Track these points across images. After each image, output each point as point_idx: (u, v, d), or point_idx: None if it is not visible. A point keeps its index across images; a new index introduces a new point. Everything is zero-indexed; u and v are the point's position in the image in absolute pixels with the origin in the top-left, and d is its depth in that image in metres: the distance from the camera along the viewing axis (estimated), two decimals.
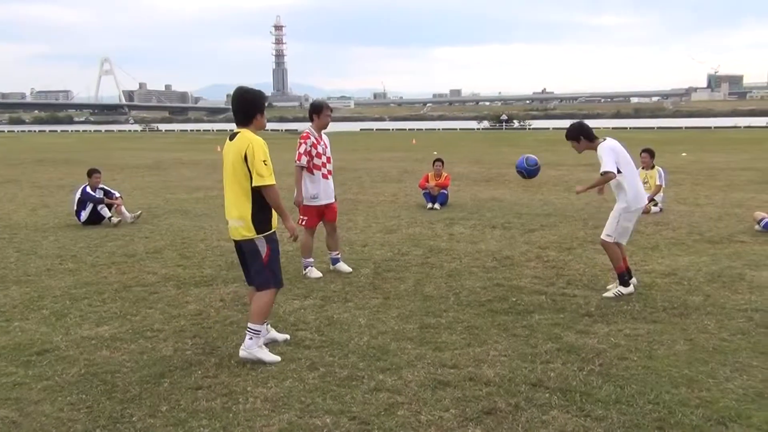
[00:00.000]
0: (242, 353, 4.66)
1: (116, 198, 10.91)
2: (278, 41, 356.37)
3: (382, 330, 5.32)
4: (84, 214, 10.62)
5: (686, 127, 67.52)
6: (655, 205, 11.09)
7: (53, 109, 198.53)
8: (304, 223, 7.03)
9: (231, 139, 4.65)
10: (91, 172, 11.07)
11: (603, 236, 6.36)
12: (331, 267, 7.34)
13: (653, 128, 63.09)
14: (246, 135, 4.56)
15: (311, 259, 7.18)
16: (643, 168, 11.29)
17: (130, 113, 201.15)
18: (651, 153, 11.78)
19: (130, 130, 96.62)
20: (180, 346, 5.02)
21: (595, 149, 6.26)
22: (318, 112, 6.97)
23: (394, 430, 3.66)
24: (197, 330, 5.41)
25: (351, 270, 7.26)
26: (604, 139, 6.29)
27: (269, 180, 4.52)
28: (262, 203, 4.58)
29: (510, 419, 3.76)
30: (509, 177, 17.83)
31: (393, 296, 6.31)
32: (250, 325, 4.70)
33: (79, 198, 10.71)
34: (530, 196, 13.73)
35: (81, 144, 47.83)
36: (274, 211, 4.68)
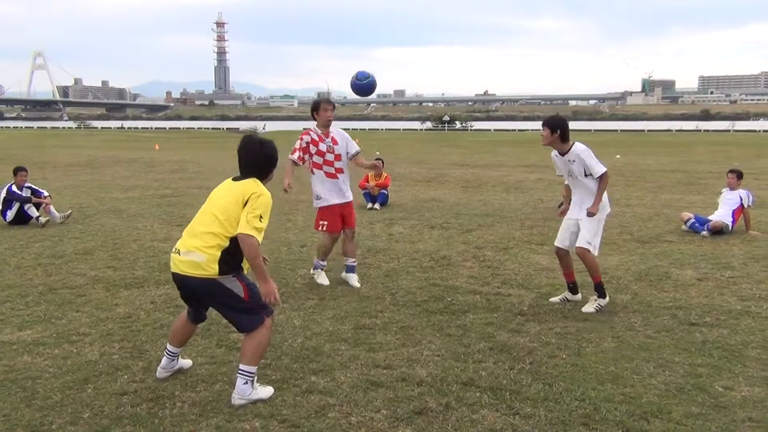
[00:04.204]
0: (237, 401, 3.96)
1: (44, 197, 10.51)
2: (220, 38, 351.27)
3: (317, 331, 5.28)
4: (9, 214, 10.20)
5: (621, 130, 69.68)
6: None
7: None
8: (324, 228, 6.65)
9: (237, 180, 4.11)
10: (17, 170, 10.63)
11: (586, 245, 5.77)
12: (342, 275, 6.82)
13: (590, 131, 64.77)
14: (257, 184, 4.01)
15: (324, 263, 6.78)
16: None
17: (64, 110, 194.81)
18: None
19: (64, 127, 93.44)
20: (106, 351, 4.87)
21: (563, 151, 5.87)
22: (316, 109, 6.66)
23: None
24: (125, 333, 5.25)
25: (359, 285, 6.68)
26: (574, 143, 5.88)
27: (253, 232, 3.81)
28: (236, 249, 3.89)
29: (440, 419, 3.78)
30: (450, 178, 18.02)
31: (329, 297, 6.27)
32: (243, 367, 4.00)
33: (5, 197, 10.27)
34: (469, 197, 13.90)
35: (11, 141, 45.95)
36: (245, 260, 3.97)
